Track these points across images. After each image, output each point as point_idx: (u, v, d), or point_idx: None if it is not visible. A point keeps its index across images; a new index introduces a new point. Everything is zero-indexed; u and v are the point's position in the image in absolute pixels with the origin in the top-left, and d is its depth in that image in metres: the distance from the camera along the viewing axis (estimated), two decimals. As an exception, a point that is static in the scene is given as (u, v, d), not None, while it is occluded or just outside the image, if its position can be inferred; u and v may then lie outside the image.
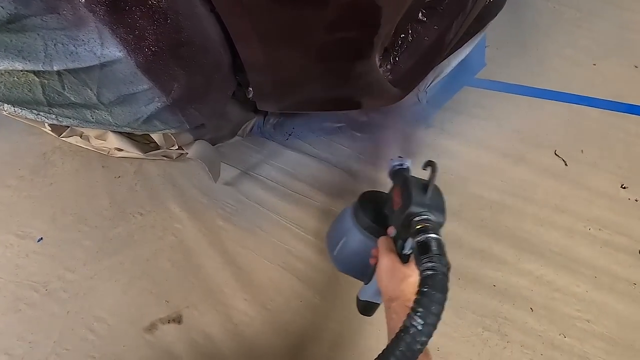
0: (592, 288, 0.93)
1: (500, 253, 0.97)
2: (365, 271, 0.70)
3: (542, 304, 0.91)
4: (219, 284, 0.90)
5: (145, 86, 0.65)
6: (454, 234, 0.99)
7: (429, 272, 0.48)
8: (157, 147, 0.98)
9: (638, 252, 0.99)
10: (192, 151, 0.92)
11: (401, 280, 0.58)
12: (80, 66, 0.60)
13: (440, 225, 0.57)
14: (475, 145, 1.13)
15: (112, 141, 0.98)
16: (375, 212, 0.71)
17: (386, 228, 0.65)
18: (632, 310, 0.91)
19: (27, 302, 0.88)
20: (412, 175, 0.64)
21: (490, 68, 1.29)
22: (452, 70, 1.12)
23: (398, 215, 0.60)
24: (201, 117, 0.80)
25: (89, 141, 1.03)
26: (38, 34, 0.57)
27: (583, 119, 1.20)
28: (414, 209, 0.56)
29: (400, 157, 0.71)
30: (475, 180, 1.08)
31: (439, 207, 0.57)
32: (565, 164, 1.12)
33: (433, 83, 1.16)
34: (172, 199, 1.00)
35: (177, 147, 0.97)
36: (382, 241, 0.63)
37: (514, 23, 1.40)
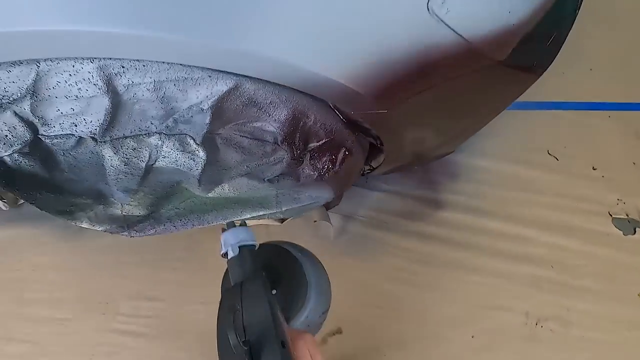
0: (581, 241, 1.44)
1: (522, 232, 1.44)
2: None
3: (556, 260, 1.41)
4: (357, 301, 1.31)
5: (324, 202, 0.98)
6: (487, 225, 1.43)
7: None
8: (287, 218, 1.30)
9: (608, 213, 1.51)
10: (315, 216, 1.27)
11: None
12: (301, 205, 0.92)
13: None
14: (496, 159, 1.55)
15: (254, 221, 1.29)
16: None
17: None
18: (613, 252, 1.44)
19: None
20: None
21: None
22: None
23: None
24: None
25: (224, 220, 1.33)
26: (274, 195, 0.88)
27: (560, 121, 1.65)
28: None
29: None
30: (498, 184, 1.52)
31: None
32: (557, 160, 1.59)
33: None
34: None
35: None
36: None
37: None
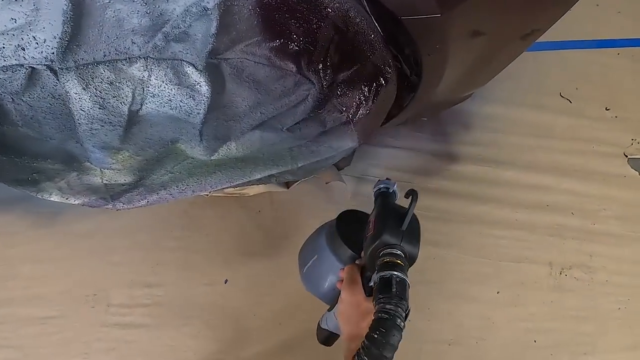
0: (598, 184, 1.38)
1: (540, 180, 1.36)
2: (330, 296, 0.67)
3: (575, 207, 1.35)
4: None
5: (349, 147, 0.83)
6: (505, 175, 1.35)
7: (384, 316, 0.45)
8: (295, 180, 1.16)
9: (623, 154, 1.46)
10: (327, 177, 1.13)
11: (362, 316, 0.53)
12: (319, 159, 0.77)
13: (412, 260, 0.55)
14: (507, 105, 1.45)
15: (252, 189, 1.14)
16: (352, 234, 0.66)
17: (360, 254, 0.62)
18: (631, 194, 1.38)
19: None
20: (395, 202, 0.62)
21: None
22: None
23: (369, 243, 0.56)
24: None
25: (222, 190, 1.17)
26: (288, 149, 0.73)
27: (569, 61, 1.55)
28: (386, 238, 0.53)
29: (387, 179, 0.65)
30: (512, 131, 1.42)
31: (413, 241, 0.54)
32: (570, 102, 1.50)
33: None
34: (312, 216, 1.22)
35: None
36: (347, 270, 0.58)
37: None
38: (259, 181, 0.81)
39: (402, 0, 0.49)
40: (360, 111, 0.63)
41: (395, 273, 0.49)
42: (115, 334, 1.06)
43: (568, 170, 1.40)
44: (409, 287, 0.49)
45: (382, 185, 0.64)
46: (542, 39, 1.57)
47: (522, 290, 1.27)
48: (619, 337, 1.26)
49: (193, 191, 0.70)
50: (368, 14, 0.50)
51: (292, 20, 0.46)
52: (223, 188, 0.74)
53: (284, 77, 0.53)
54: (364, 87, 0.60)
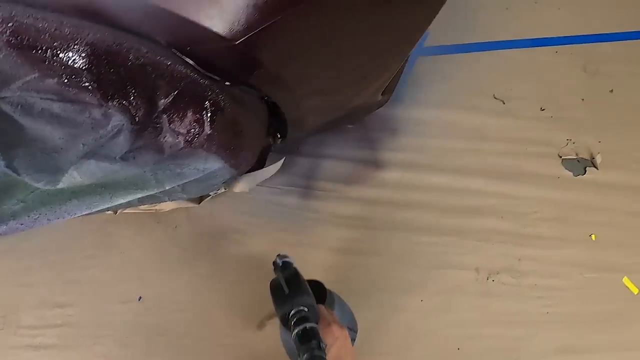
0: (530, 186, 1.37)
1: (469, 184, 1.35)
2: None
3: (506, 210, 1.34)
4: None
5: (228, 175, 0.83)
6: (432, 180, 1.34)
7: None
8: (207, 195, 1.15)
9: (557, 155, 1.43)
10: (238, 188, 1.12)
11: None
12: (186, 181, 0.76)
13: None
14: (438, 108, 1.43)
15: (167, 205, 1.13)
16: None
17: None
18: (564, 195, 1.37)
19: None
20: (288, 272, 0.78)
21: (434, 34, 1.53)
22: None
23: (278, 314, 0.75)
24: (248, 167, 1.00)
25: (137, 207, 1.16)
26: (146, 171, 0.72)
27: (505, 61, 1.53)
28: (279, 311, 0.72)
29: (281, 255, 0.85)
30: (441, 134, 1.40)
31: (299, 293, 0.72)
32: (504, 103, 1.48)
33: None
34: (229, 229, 1.21)
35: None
36: (321, 311, 0.75)
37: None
38: (129, 204, 0.80)
39: (190, 34, 0.47)
40: (199, 137, 0.62)
41: (304, 326, 0.63)
42: (25, 356, 1.06)
43: (499, 173, 1.38)
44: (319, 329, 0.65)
45: (278, 261, 0.82)
46: (476, 38, 1.57)
47: (449, 297, 1.25)
48: (548, 341, 1.25)
49: (48, 219, 0.69)
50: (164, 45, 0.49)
51: (61, 54, 0.45)
52: (83, 215, 0.73)
53: (87, 109, 0.52)
54: (191, 115, 0.58)
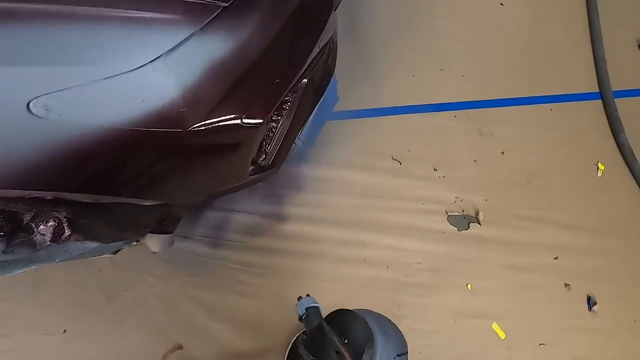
0: (416, 240, 1.57)
1: (361, 237, 1.55)
2: None
3: (391, 261, 1.53)
4: (199, 318, 1.41)
5: (113, 248, 1.05)
6: (328, 233, 1.54)
7: None
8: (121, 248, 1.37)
9: (444, 211, 1.63)
10: (153, 246, 1.34)
11: None
12: (75, 255, 0.98)
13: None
14: (341, 168, 1.63)
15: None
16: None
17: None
18: (446, 248, 1.57)
19: None
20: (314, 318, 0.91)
21: (345, 99, 1.74)
22: (315, 110, 1.56)
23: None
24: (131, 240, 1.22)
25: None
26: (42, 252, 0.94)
27: (406, 125, 1.73)
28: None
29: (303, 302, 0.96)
30: (341, 192, 1.60)
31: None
32: (400, 163, 1.68)
33: (305, 127, 1.61)
34: (146, 272, 1.43)
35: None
36: None
37: (355, 53, 1.82)
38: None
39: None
40: (62, 236, 0.84)
41: None
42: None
43: (389, 228, 1.58)
44: None
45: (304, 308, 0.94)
46: (383, 103, 1.76)
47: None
48: (419, 380, 1.44)
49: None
50: None
51: None
52: None
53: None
54: (52, 223, 0.81)
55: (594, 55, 1.94)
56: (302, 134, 1.62)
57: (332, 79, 1.75)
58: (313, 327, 0.89)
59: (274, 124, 1.29)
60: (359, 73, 1.79)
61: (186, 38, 0.67)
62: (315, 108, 1.50)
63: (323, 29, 0.98)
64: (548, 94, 1.85)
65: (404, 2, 1.89)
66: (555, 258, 1.62)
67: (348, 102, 1.74)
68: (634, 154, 1.78)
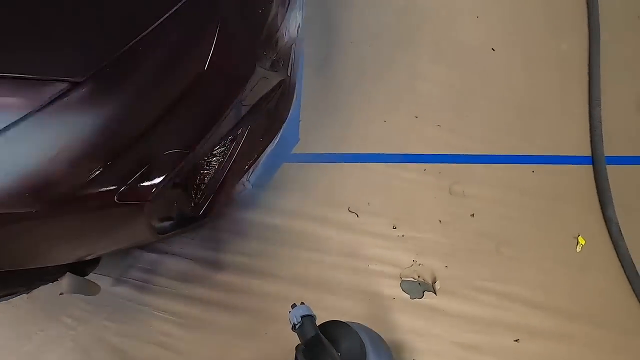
0: (363, 305, 1.43)
1: (302, 294, 1.41)
2: None
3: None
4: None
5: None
6: (265, 287, 1.41)
7: None
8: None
9: (399, 275, 1.49)
10: (64, 288, 1.25)
11: None
12: None
13: None
14: (291, 216, 1.51)
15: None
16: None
17: None
18: (395, 317, 1.42)
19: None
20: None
21: (305, 140, 1.62)
22: (270, 151, 1.44)
23: None
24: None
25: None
26: None
27: (370, 174, 1.60)
28: None
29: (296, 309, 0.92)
30: (286, 242, 1.48)
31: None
32: (357, 216, 1.54)
33: (256, 167, 1.49)
34: (64, 313, 1.34)
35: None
36: None
37: (324, 90, 1.69)
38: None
39: None
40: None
41: None
42: None
43: (334, 288, 1.45)
44: None
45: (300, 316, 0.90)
46: (349, 149, 1.63)
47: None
48: None
49: None
50: None
51: None
52: None
53: None
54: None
55: (589, 115, 1.76)
56: (253, 176, 1.51)
57: (295, 117, 1.64)
58: (308, 338, 0.86)
59: (205, 171, 1.18)
60: (326, 113, 1.66)
61: (21, 118, 0.57)
62: (266, 151, 1.38)
63: (243, 89, 0.86)
64: (532, 154, 1.68)
65: (384, 37, 1.76)
66: (516, 340, 1.46)
67: (309, 145, 1.61)
68: (620, 231, 1.60)
